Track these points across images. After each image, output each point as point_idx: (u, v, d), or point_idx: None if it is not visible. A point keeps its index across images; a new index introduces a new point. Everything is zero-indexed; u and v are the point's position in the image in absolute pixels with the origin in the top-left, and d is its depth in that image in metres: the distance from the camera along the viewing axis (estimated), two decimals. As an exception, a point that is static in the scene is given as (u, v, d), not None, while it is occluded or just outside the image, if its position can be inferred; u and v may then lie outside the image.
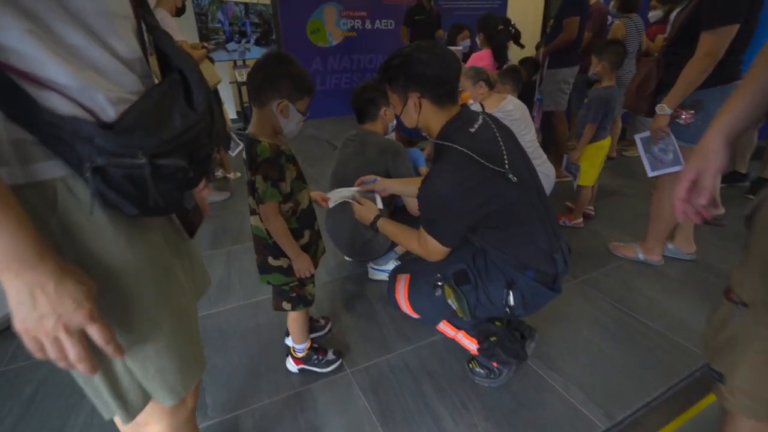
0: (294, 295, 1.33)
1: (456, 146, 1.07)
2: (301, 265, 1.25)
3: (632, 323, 1.71)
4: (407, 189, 1.58)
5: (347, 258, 2.15)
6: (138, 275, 0.60)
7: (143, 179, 0.52)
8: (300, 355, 1.47)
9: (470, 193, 1.06)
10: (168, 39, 0.63)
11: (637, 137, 1.95)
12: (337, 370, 1.49)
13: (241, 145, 3.31)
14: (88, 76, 0.52)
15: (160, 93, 0.58)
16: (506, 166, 1.07)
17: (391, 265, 2.02)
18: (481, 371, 1.42)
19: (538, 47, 4.58)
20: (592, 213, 2.73)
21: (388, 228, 1.37)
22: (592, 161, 2.47)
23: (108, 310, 0.56)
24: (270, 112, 1.13)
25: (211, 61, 2.99)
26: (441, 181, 1.07)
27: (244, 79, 5.04)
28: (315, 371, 1.48)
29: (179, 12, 2.74)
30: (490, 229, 1.14)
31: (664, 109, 1.76)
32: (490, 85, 2.25)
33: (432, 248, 1.17)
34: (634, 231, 2.51)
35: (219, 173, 3.68)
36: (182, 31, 2.59)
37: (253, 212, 1.25)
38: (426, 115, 1.15)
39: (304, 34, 5.92)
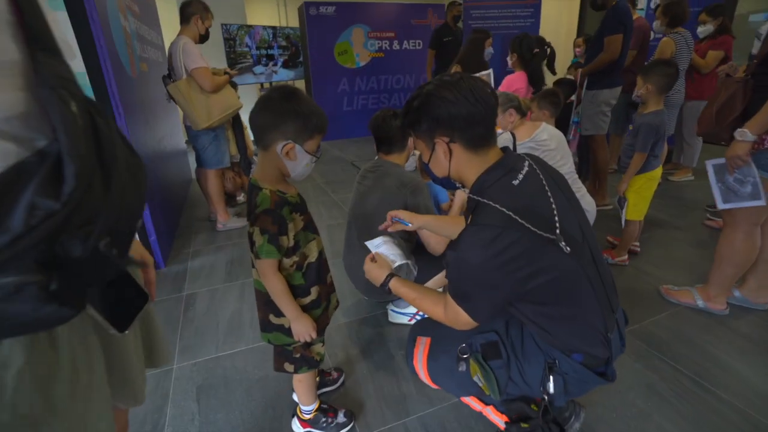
0: (298, 356, 1.18)
1: (496, 206, 0.86)
2: (300, 328, 1.10)
3: (698, 392, 1.45)
4: (446, 228, 1.36)
5: (365, 297, 1.99)
6: None
7: None
8: (307, 417, 1.30)
9: (511, 265, 0.84)
10: (54, 90, 0.46)
11: (709, 164, 1.70)
12: (348, 436, 1.32)
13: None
14: None
15: (9, 176, 0.43)
16: (557, 231, 0.84)
17: (413, 308, 1.84)
18: (515, 449, 1.20)
19: (570, 68, 4.36)
20: (638, 249, 2.46)
21: (403, 290, 1.11)
22: (641, 194, 2.22)
23: None
24: (275, 154, 1.01)
25: (234, 86, 2.96)
26: (476, 248, 0.86)
27: (271, 101, 5.07)
28: None
29: (203, 39, 2.73)
30: (532, 304, 0.93)
31: (745, 135, 1.51)
32: (522, 113, 2.06)
33: (461, 320, 0.95)
34: (687, 270, 2.22)
35: (240, 197, 3.63)
36: (203, 57, 2.57)
37: (253, 265, 1.11)
38: (459, 163, 0.95)
39: (332, 56, 5.95)
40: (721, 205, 1.69)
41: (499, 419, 1.15)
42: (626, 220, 2.26)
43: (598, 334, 0.94)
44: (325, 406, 1.34)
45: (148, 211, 2.31)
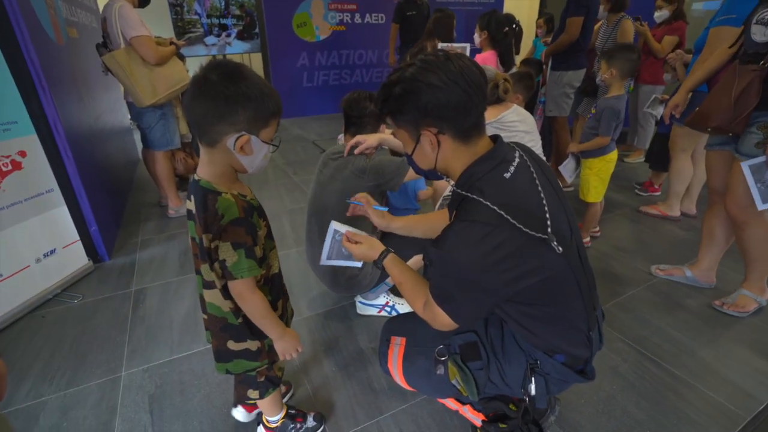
0: (262, 380, 1.08)
1: (486, 203, 0.78)
2: (289, 344, 1.01)
3: (656, 372, 1.50)
4: (422, 227, 1.26)
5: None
6: None
7: None
8: (274, 425, 1.21)
9: (500, 266, 0.77)
10: None
11: (745, 165, 1.57)
12: (318, 439, 1.25)
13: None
14: None
15: None
16: (549, 230, 0.77)
17: (382, 299, 1.78)
18: (490, 444, 1.19)
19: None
20: (598, 233, 2.53)
21: (395, 271, 1.03)
22: (600, 176, 2.26)
23: None
24: (225, 150, 0.84)
25: (182, 58, 2.69)
26: (463, 247, 0.78)
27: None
28: None
29: (143, 2, 2.43)
30: (517, 304, 0.88)
31: None
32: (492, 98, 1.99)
33: (439, 320, 0.89)
34: (646, 251, 2.31)
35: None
36: (145, 24, 2.29)
37: (208, 285, 0.94)
38: (446, 155, 0.86)
39: (290, 28, 5.60)
40: (760, 206, 1.58)
41: (475, 417, 1.13)
42: (588, 203, 2.31)
43: (581, 334, 0.91)
44: (292, 411, 1.26)
45: (86, 198, 2.07)
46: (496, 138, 0.90)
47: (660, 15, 3.47)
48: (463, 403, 1.13)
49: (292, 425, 1.23)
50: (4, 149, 1.72)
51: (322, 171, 1.64)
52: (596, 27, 3.23)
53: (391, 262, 1.04)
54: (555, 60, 3.06)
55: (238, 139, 0.82)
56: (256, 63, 6.29)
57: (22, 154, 1.80)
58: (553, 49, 3.00)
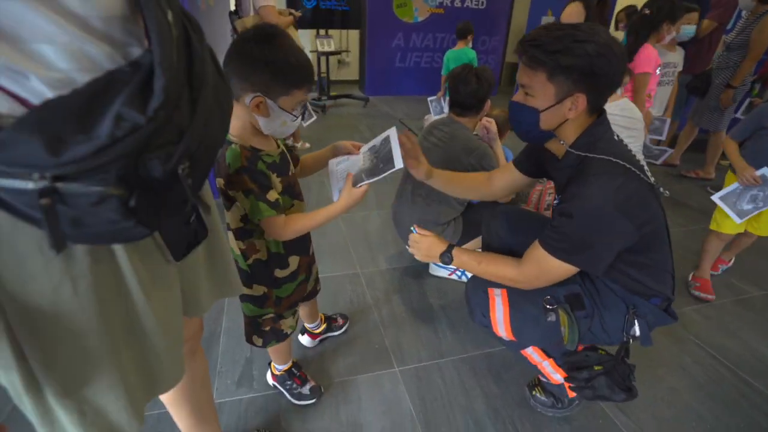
0: (267, 329, 1.13)
1: (610, 158, 0.91)
2: (351, 202, 0.98)
3: (730, 379, 1.45)
4: (458, 183, 1.37)
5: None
6: (74, 316, 0.51)
7: (46, 209, 0.39)
8: (277, 373, 1.30)
9: (635, 211, 0.89)
10: None
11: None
12: (384, 366, 1.43)
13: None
14: (13, 45, 0.37)
15: (103, 82, 0.41)
16: (652, 179, 0.92)
17: (453, 263, 1.90)
18: (546, 399, 1.28)
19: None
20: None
21: (465, 258, 1.10)
22: None
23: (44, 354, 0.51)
24: (244, 107, 0.88)
25: (296, 28, 2.97)
26: (602, 197, 0.88)
27: (325, 49, 5.03)
28: (285, 396, 1.30)
29: (272, -24, 2.72)
30: (629, 252, 0.97)
31: None
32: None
33: (550, 275, 0.98)
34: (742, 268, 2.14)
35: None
36: (272, -6, 2.57)
37: (227, 227, 1.00)
38: (575, 119, 0.95)
39: (390, 7, 5.76)
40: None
41: (555, 374, 1.21)
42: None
43: (670, 276, 1.03)
44: (296, 371, 1.30)
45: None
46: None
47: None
48: (548, 356, 1.21)
49: (289, 382, 1.29)
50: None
51: (426, 138, 1.77)
52: (707, 21, 2.95)
53: (458, 250, 1.12)
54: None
55: (253, 98, 0.86)
56: (353, 38, 6.57)
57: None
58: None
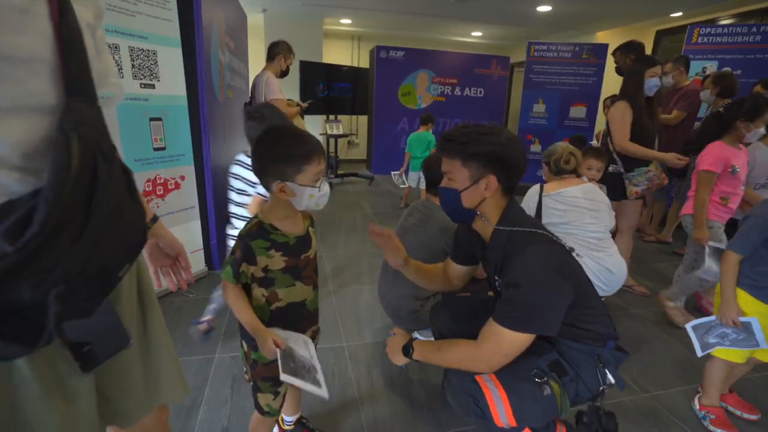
0: (251, 383, 1.15)
1: (534, 230, 1.08)
2: (262, 343, 1.01)
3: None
4: (427, 272, 1.45)
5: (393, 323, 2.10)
6: None
7: None
8: (287, 427, 1.34)
9: (566, 269, 1.03)
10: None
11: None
12: (357, 444, 1.41)
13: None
14: None
15: None
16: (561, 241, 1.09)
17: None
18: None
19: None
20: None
21: (425, 349, 1.15)
22: None
23: None
24: (274, 194, 1.02)
25: (302, 116, 3.33)
26: (541, 263, 1.01)
27: (334, 132, 5.49)
28: None
29: (283, 74, 3.12)
30: (571, 308, 1.06)
31: None
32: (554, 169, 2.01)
33: (506, 348, 1.02)
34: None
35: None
36: (282, 90, 2.94)
37: None
38: (492, 197, 1.11)
39: (396, 96, 6.33)
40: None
41: None
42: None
43: (608, 317, 1.15)
44: (305, 421, 1.38)
45: (213, 217, 2.61)
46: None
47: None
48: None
49: None
50: (173, 173, 2.35)
51: (407, 218, 1.90)
52: (674, 114, 3.22)
53: (418, 342, 1.16)
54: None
55: (276, 185, 1.00)
56: (362, 123, 7.14)
57: (183, 177, 2.42)
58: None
